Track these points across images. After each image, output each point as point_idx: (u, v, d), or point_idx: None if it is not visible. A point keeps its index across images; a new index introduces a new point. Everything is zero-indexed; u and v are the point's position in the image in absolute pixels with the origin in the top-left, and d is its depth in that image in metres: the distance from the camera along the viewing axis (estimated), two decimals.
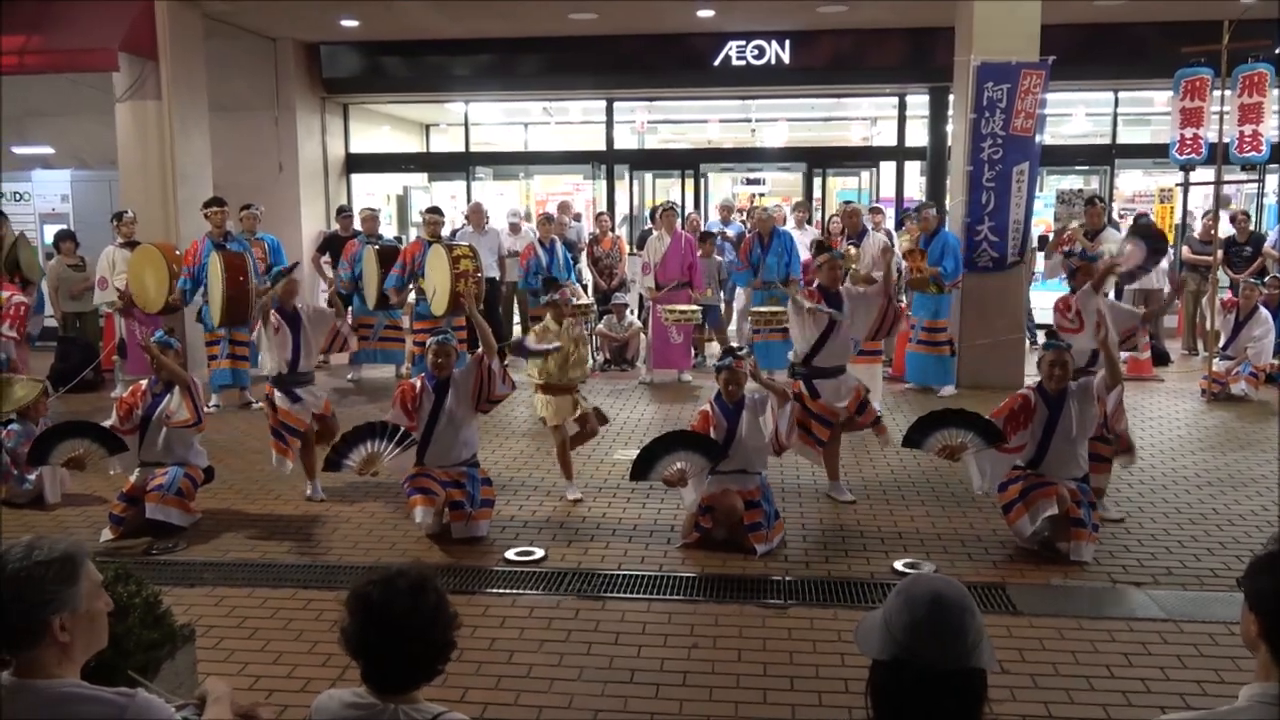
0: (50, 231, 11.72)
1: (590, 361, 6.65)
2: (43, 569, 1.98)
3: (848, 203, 10.79)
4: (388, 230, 13.53)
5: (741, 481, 5.60)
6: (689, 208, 13.69)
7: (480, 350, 5.87)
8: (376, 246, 10.01)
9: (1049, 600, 4.91)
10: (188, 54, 10.73)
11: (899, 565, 5.31)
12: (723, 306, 11.10)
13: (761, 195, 14.85)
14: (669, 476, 5.44)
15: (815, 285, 6.48)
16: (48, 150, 13.73)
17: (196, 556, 5.56)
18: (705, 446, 5.47)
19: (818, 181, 14.40)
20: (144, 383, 6.11)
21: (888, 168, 14.32)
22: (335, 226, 11.85)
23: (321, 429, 6.61)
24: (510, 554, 5.49)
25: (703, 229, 11.27)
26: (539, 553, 5.50)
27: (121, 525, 5.84)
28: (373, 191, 14.68)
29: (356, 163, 14.75)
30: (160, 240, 9.85)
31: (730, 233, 11.34)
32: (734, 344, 11.29)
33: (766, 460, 5.75)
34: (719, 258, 10.75)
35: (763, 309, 9.78)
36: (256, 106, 13.21)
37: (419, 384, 5.82)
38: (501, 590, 5.06)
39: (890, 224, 12.14)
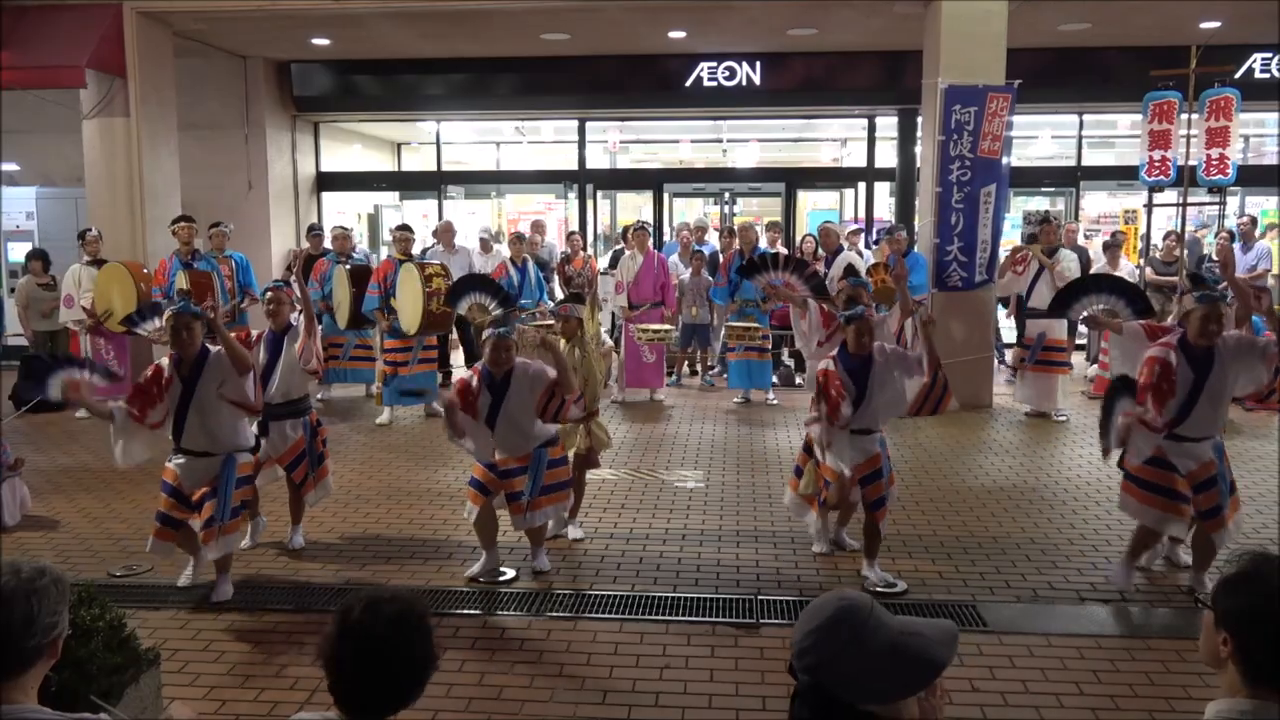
0: (14, 249, 11.57)
1: (602, 388, 6.06)
2: (53, 589, 1.98)
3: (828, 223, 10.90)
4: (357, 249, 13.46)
5: (864, 449, 5.28)
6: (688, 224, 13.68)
7: (553, 376, 5.25)
8: (348, 266, 9.96)
9: (1019, 617, 4.94)
10: (157, 71, 10.67)
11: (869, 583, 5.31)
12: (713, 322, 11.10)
13: (735, 215, 14.95)
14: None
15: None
16: (13, 167, 13.58)
17: (161, 579, 5.47)
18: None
19: (782, 201, 14.50)
20: (163, 362, 5.11)
21: (858, 189, 14.45)
22: (306, 245, 11.79)
23: (291, 489, 5.97)
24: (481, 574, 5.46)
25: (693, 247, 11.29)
26: (510, 573, 5.46)
27: (177, 529, 5.10)
28: (344, 210, 14.63)
29: (327, 181, 14.71)
30: (128, 259, 9.76)
31: (705, 252, 11.38)
32: (712, 365, 11.43)
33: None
34: (708, 277, 10.79)
35: (737, 324, 9.85)
36: (226, 124, 13.14)
37: (474, 381, 5.26)
38: (472, 611, 5.02)
39: (861, 244, 12.25)
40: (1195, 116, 9.23)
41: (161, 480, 5.17)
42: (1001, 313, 11.49)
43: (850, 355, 5.24)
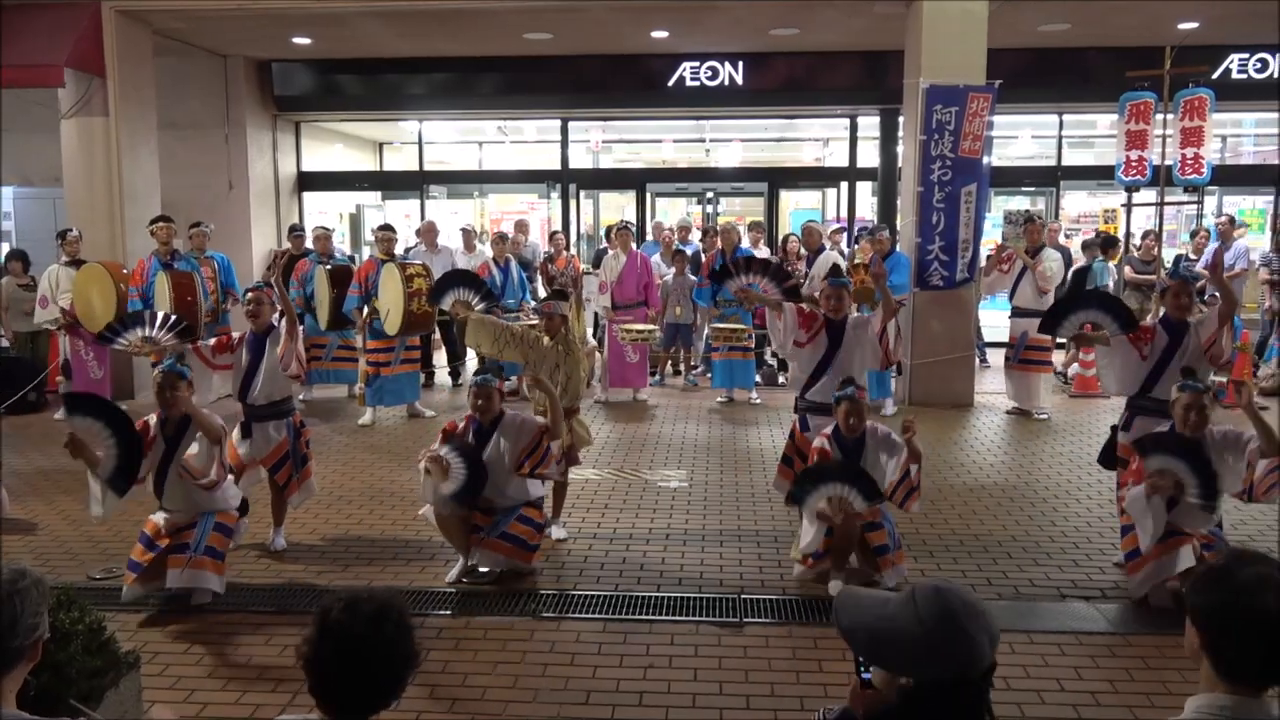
0: None
1: (585, 387, 6.12)
2: (33, 590, 1.98)
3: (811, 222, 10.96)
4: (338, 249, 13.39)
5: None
6: (662, 225, 13.70)
7: (546, 422, 5.40)
8: (329, 266, 9.89)
9: (1000, 615, 4.93)
10: (136, 70, 10.59)
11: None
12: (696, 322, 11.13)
13: (718, 215, 14.98)
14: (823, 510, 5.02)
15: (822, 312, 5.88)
16: None
17: None
18: (864, 484, 4.98)
19: (764, 201, 14.53)
20: (150, 419, 5.04)
21: (840, 188, 14.50)
22: (287, 245, 11.72)
23: (274, 490, 5.97)
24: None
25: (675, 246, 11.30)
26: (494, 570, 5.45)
27: (140, 572, 4.98)
28: (325, 210, 14.57)
29: (309, 181, 14.64)
30: (107, 259, 9.69)
31: (687, 252, 11.40)
32: (695, 364, 11.44)
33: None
34: (692, 277, 10.80)
35: (722, 325, 9.86)
36: (207, 124, 13.07)
37: (463, 425, 5.38)
38: (455, 612, 5.01)
39: (844, 243, 12.31)
40: (1170, 117, 9.31)
41: (140, 530, 5.12)
42: (983, 311, 11.57)
43: (843, 435, 5.28)
